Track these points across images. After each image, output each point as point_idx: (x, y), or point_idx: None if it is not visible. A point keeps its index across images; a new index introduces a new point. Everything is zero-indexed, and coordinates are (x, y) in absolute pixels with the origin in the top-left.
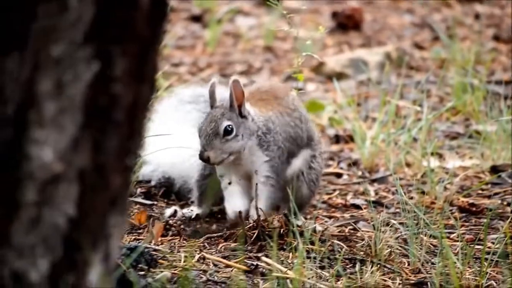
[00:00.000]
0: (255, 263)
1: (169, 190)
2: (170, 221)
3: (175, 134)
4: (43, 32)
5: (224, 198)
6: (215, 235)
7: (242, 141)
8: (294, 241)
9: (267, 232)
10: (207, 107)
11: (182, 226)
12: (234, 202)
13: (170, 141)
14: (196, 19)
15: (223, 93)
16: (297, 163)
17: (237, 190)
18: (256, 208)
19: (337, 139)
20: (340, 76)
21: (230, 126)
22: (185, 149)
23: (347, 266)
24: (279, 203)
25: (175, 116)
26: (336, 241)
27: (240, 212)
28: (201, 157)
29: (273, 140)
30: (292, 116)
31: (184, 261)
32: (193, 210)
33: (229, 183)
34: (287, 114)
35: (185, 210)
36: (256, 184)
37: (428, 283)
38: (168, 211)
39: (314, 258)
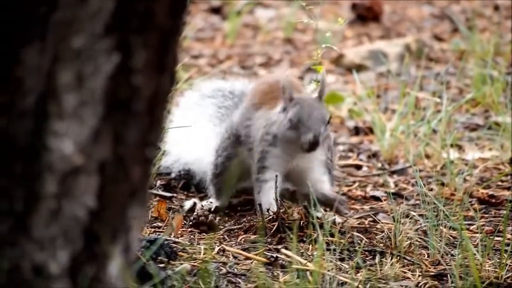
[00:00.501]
0: (275, 255)
1: (189, 182)
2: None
3: (196, 128)
4: (64, 23)
5: (259, 190)
6: (235, 227)
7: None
8: (314, 233)
9: (286, 224)
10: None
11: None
12: (270, 199)
13: (191, 135)
14: (216, 11)
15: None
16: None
17: (273, 188)
18: (276, 200)
19: (356, 131)
20: (359, 68)
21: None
22: (205, 144)
23: (367, 258)
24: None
25: (196, 111)
26: (355, 233)
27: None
28: (314, 141)
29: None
30: None
31: (204, 254)
32: (212, 202)
33: (268, 180)
34: None
35: (204, 203)
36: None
37: (448, 275)
38: (188, 204)
39: (334, 250)
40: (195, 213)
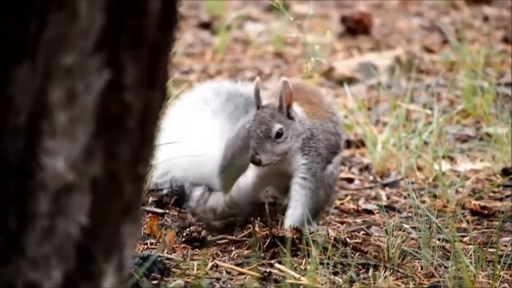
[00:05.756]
0: (268, 270)
1: (181, 198)
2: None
3: (189, 139)
4: (54, 41)
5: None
6: (228, 240)
7: (290, 143)
8: (307, 247)
9: (279, 239)
10: (247, 105)
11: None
12: (219, 197)
13: (184, 147)
14: (205, 26)
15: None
16: (330, 168)
17: (243, 187)
18: (266, 215)
19: (348, 144)
20: (350, 80)
21: (281, 129)
22: (199, 155)
23: (360, 272)
24: (322, 207)
25: (197, 113)
26: (349, 247)
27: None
28: (253, 160)
29: (315, 147)
30: (333, 121)
31: (197, 269)
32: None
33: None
34: (329, 120)
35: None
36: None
37: (441, 286)
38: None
39: (327, 264)
40: (187, 230)
